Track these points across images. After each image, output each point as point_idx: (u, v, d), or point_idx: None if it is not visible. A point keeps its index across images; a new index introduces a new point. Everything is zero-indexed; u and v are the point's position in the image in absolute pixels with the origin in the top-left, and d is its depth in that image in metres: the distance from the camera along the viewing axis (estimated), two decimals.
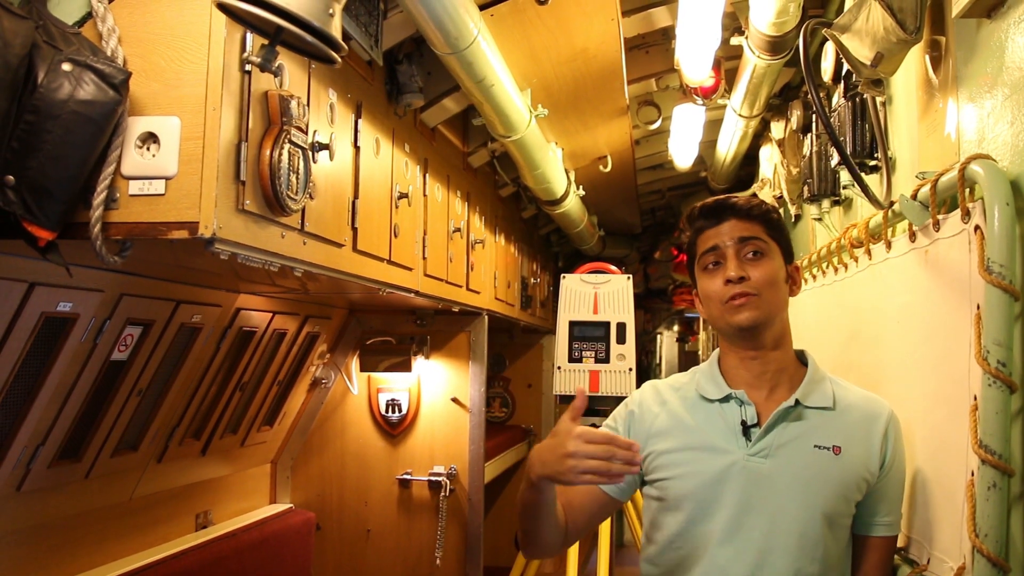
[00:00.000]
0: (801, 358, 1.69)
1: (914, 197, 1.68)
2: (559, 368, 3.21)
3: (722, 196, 1.68)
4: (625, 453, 1.39)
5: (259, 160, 1.78)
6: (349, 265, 2.34)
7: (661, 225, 7.88)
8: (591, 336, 3.19)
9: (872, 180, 2.12)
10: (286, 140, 1.84)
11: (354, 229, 2.35)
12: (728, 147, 4.10)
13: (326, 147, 2.05)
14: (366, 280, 2.50)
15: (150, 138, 1.62)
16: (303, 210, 2.00)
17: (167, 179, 1.61)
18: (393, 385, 3.85)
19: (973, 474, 1.38)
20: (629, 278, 3.29)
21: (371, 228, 2.48)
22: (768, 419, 1.58)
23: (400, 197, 2.73)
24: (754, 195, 1.73)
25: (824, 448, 1.56)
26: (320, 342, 3.58)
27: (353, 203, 2.35)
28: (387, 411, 3.83)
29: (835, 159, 2.45)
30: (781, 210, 3.98)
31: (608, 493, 1.70)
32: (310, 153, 1.98)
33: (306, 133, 1.96)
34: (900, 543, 1.73)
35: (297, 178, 1.91)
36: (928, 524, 1.63)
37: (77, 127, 1.49)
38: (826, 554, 1.54)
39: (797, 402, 1.59)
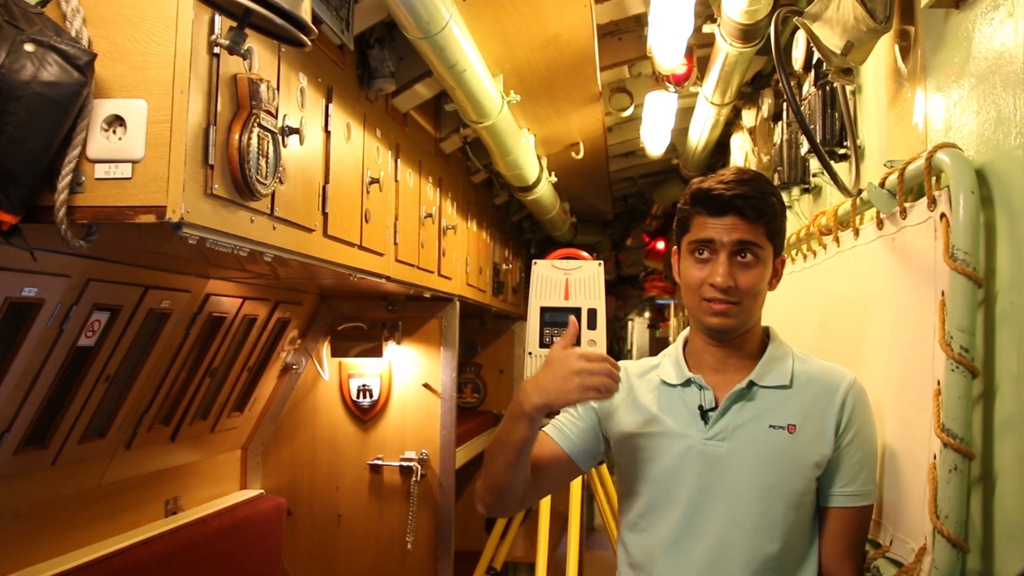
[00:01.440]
0: (766, 334, 1.70)
1: (882, 185, 1.70)
2: (530, 354, 3.20)
3: (733, 181, 1.57)
4: (616, 372, 1.50)
5: (228, 144, 1.76)
6: (320, 250, 2.33)
7: (633, 212, 7.90)
8: (562, 322, 3.19)
9: (841, 168, 2.14)
10: (255, 124, 1.82)
11: (324, 214, 2.34)
12: (700, 135, 4.11)
13: (296, 131, 2.03)
14: (337, 265, 2.48)
15: (116, 121, 1.59)
16: (273, 195, 1.98)
17: (134, 163, 1.58)
18: (364, 371, 3.83)
19: (935, 457, 1.40)
20: (600, 264, 3.29)
21: (342, 213, 2.47)
22: (722, 401, 1.60)
23: (371, 182, 2.71)
24: (760, 179, 1.65)
25: (779, 428, 1.57)
26: (291, 328, 3.56)
27: (324, 188, 2.33)
28: (358, 397, 3.82)
29: (805, 147, 2.47)
30: None
31: (566, 451, 1.71)
32: (280, 137, 1.96)
33: (276, 117, 1.94)
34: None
35: (266, 162, 1.89)
36: (892, 506, 1.65)
37: (41, 109, 1.46)
38: (787, 532, 1.56)
39: (751, 383, 1.60)
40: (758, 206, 1.56)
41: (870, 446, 1.63)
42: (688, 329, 1.73)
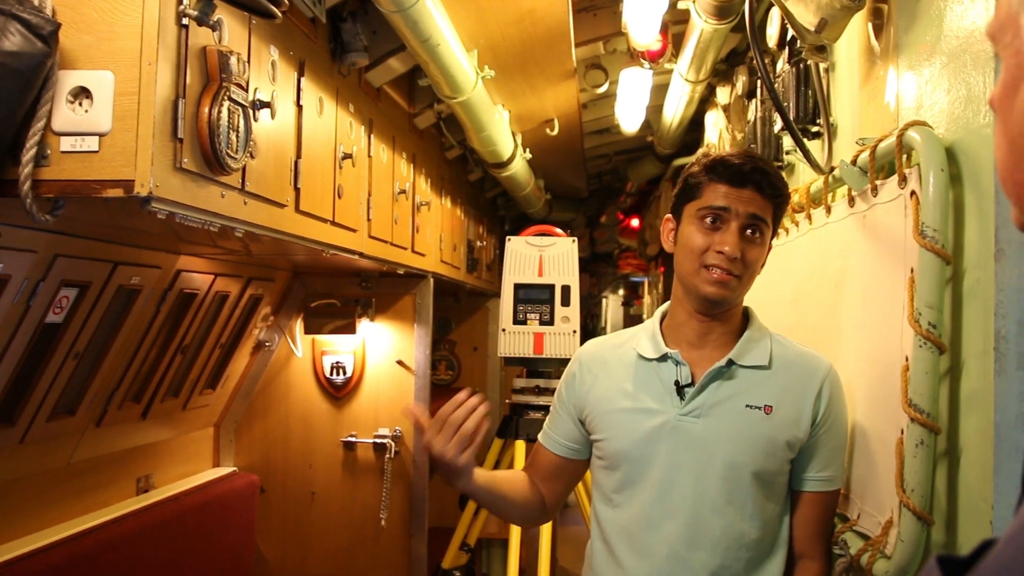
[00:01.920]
0: (745, 315, 1.70)
1: (854, 163, 1.71)
2: (504, 330, 3.21)
3: (751, 156, 1.59)
4: (462, 410, 1.55)
5: (197, 117, 1.73)
6: (292, 226, 2.31)
7: (608, 189, 7.91)
8: (536, 299, 3.20)
9: (814, 146, 2.15)
10: (225, 97, 1.80)
11: (296, 189, 2.32)
12: (674, 112, 4.12)
13: (267, 105, 2.01)
14: (309, 241, 2.47)
15: (82, 93, 1.56)
16: (243, 169, 1.96)
17: (101, 136, 1.55)
18: (338, 348, 3.82)
19: (903, 432, 1.42)
20: (574, 241, 3.30)
21: (314, 189, 2.45)
22: (701, 378, 1.60)
23: (344, 157, 2.69)
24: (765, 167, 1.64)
25: (755, 408, 1.58)
26: (263, 304, 3.54)
27: (295, 163, 2.31)
28: (331, 374, 3.81)
29: (778, 124, 2.48)
30: None
31: (564, 456, 1.77)
32: (251, 111, 1.93)
33: (246, 91, 1.92)
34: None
35: (237, 136, 1.86)
36: (860, 481, 1.68)
37: (2, 80, 1.43)
38: (760, 512, 1.58)
39: (731, 361, 1.60)
40: (775, 184, 1.58)
41: (843, 432, 1.66)
42: (667, 304, 1.72)
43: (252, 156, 1.98)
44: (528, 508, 1.78)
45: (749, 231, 1.56)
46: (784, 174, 2.73)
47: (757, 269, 1.60)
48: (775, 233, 1.64)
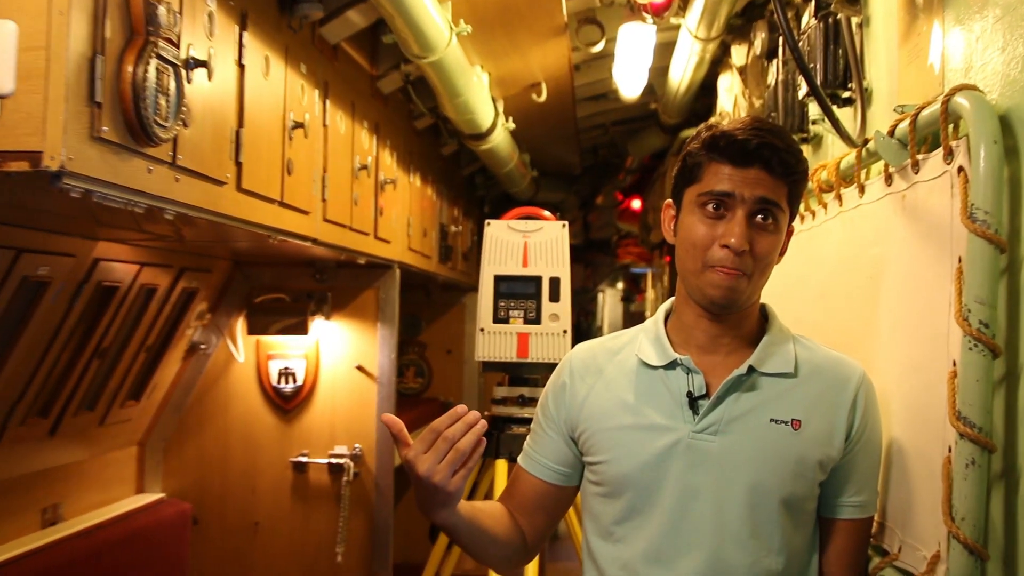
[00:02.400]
0: (763, 314, 1.69)
1: (891, 134, 1.71)
2: (482, 330, 3.20)
3: (759, 129, 1.54)
4: (460, 424, 1.47)
5: (119, 78, 1.72)
6: (232, 207, 2.29)
7: (604, 166, 7.91)
8: (520, 293, 3.19)
9: (845, 114, 2.15)
10: (153, 54, 1.78)
11: (238, 164, 2.31)
12: (682, 75, 4.12)
13: (203, 64, 2.00)
14: (253, 226, 2.46)
15: None
16: (175, 140, 1.94)
17: (2, 98, 1.53)
18: (287, 351, 3.81)
19: (950, 450, 1.42)
20: (565, 225, 3.29)
21: (259, 163, 2.43)
22: (717, 389, 1.58)
23: (295, 127, 2.68)
24: (785, 133, 1.62)
25: (781, 422, 1.57)
26: (198, 300, 3.52)
27: (237, 133, 2.30)
28: (279, 382, 3.80)
29: (803, 90, 2.48)
30: None
31: (551, 483, 1.73)
32: (183, 71, 1.92)
33: (178, 47, 1.91)
34: (872, 530, 1.79)
35: (167, 101, 1.85)
36: (901, 508, 1.68)
37: None
38: (787, 543, 1.57)
39: (751, 369, 1.59)
40: (787, 160, 1.53)
41: (879, 449, 1.65)
42: (672, 300, 1.71)
43: (185, 124, 1.97)
44: (508, 548, 1.73)
45: (759, 217, 1.53)
46: (810, 147, 2.74)
47: (772, 261, 1.58)
48: (793, 217, 1.63)
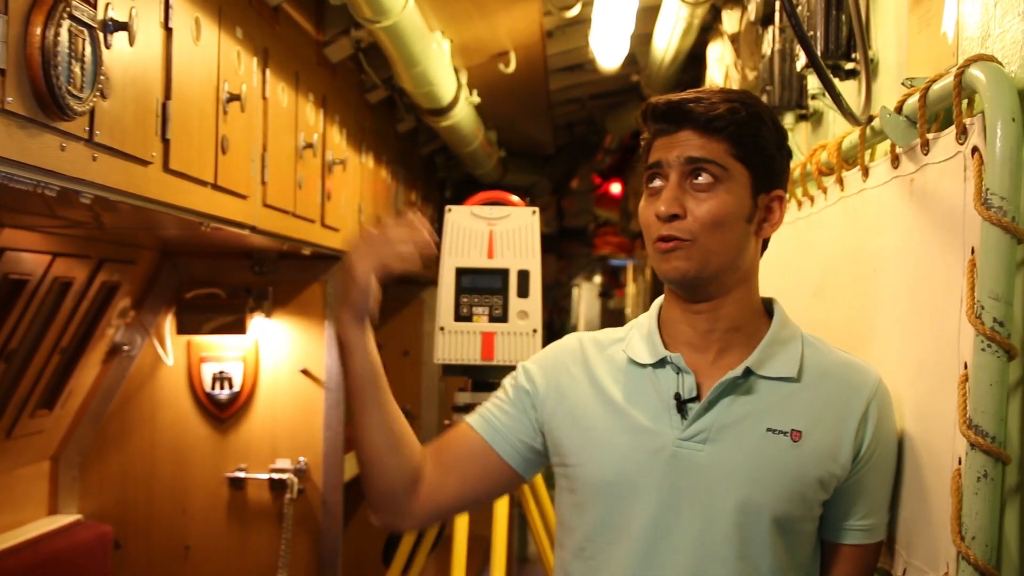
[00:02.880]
0: (768, 309, 1.70)
1: (899, 110, 1.72)
2: (442, 329, 3.19)
3: (685, 93, 1.60)
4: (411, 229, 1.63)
5: (26, 41, 1.69)
6: (159, 190, 2.27)
7: (580, 145, 7.93)
8: (484, 288, 3.19)
9: (848, 88, 2.16)
10: (65, 14, 1.76)
11: (165, 141, 2.28)
12: (667, 43, 4.13)
13: (124, 27, 1.97)
14: (183, 211, 2.43)
15: None
16: (92, 113, 1.92)
17: None
18: (222, 353, 3.80)
19: (961, 461, 1.43)
20: (536, 212, 3.29)
21: (189, 141, 2.41)
22: (709, 392, 1.58)
23: (230, 100, 2.66)
24: (744, 95, 1.65)
25: (780, 432, 1.57)
26: (121, 295, 3.49)
27: (164, 106, 2.27)
28: (214, 387, 3.78)
29: (802, 60, 2.49)
30: None
31: (494, 448, 1.70)
32: (101, 34, 1.90)
33: (95, 7, 1.88)
34: None
35: (82, 68, 1.83)
36: (906, 525, 1.69)
37: None
38: (778, 567, 1.57)
39: (748, 371, 1.59)
40: (715, 113, 1.56)
41: (891, 468, 1.65)
42: (663, 296, 1.72)
43: (103, 96, 1.95)
44: (399, 464, 1.66)
45: (694, 179, 1.56)
46: (809, 125, 2.76)
47: (726, 225, 1.57)
48: (770, 178, 1.62)
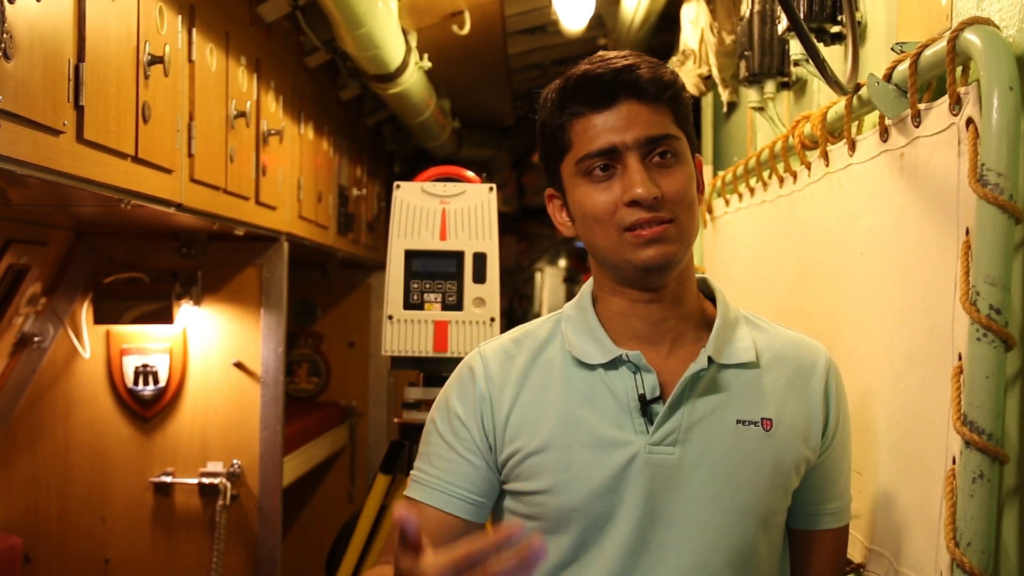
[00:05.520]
0: (704, 290, 1.69)
1: (887, 78, 1.72)
2: (391, 318, 3.18)
3: (610, 59, 1.57)
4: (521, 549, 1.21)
5: None
6: (72, 163, 2.24)
7: None
8: (437, 272, 3.18)
9: (833, 54, 2.17)
10: None
11: (79, 108, 2.25)
12: (637, 3, 4.13)
13: None
14: (99, 186, 2.40)
15: None
16: None
17: None
18: (146, 344, 3.76)
19: (954, 461, 1.44)
20: (493, 189, 3.28)
21: (106, 108, 2.38)
22: (674, 390, 1.57)
23: (152, 62, 2.62)
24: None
25: (750, 423, 1.58)
26: (30, 280, 3.45)
27: (76, 68, 2.24)
28: (136, 383, 3.74)
29: (783, 23, 2.49)
30: (710, 95, 4.06)
31: (466, 518, 1.63)
32: None
33: None
34: (858, 558, 1.81)
35: None
36: (894, 530, 1.71)
37: None
38: (759, 567, 1.58)
39: (711, 361, 1.59)
40: (657, 79, 1.54)
41: (849, 443, 1.70)
42: (589, 285, 1.69)
43: (7, 56, 1.92)
44: None
45: (657, 157, 1.54)
46: (791, 94, 2.77)
47: (693, 199, 1.58)
48: (692, 138, 1.62)
